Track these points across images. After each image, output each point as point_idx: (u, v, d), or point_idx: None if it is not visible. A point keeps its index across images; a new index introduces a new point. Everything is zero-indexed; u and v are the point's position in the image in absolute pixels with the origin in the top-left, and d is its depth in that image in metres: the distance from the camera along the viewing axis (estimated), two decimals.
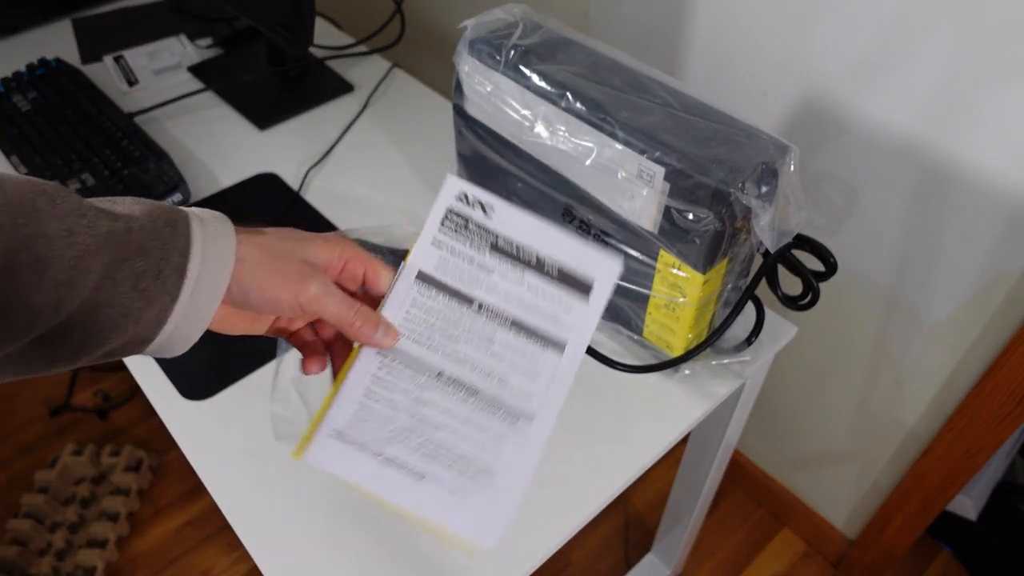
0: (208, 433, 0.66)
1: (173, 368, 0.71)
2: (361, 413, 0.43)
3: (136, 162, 0.88)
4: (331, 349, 0.47)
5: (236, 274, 0.39)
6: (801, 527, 1.34)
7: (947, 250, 0.85)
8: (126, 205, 0.38)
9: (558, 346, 0.45)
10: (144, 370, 0.72)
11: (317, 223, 0.85)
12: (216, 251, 0.38)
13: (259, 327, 0.45)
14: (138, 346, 0.38)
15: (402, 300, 0.45)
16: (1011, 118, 0.72)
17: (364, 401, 0.44)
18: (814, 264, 0.62)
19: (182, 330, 0.38)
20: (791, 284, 0.62)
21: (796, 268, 0.62)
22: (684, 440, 0.87)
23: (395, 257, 0.80)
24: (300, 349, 0.46)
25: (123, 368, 0.74)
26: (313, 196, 0.89)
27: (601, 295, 0.45)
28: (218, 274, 0.38)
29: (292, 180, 0.91)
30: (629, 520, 1.38)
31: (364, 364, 0.44)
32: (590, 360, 0.70)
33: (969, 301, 0.86)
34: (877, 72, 0.80)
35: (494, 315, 0.45)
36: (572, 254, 0.45)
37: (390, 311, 0.45)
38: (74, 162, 0.88)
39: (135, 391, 1.55)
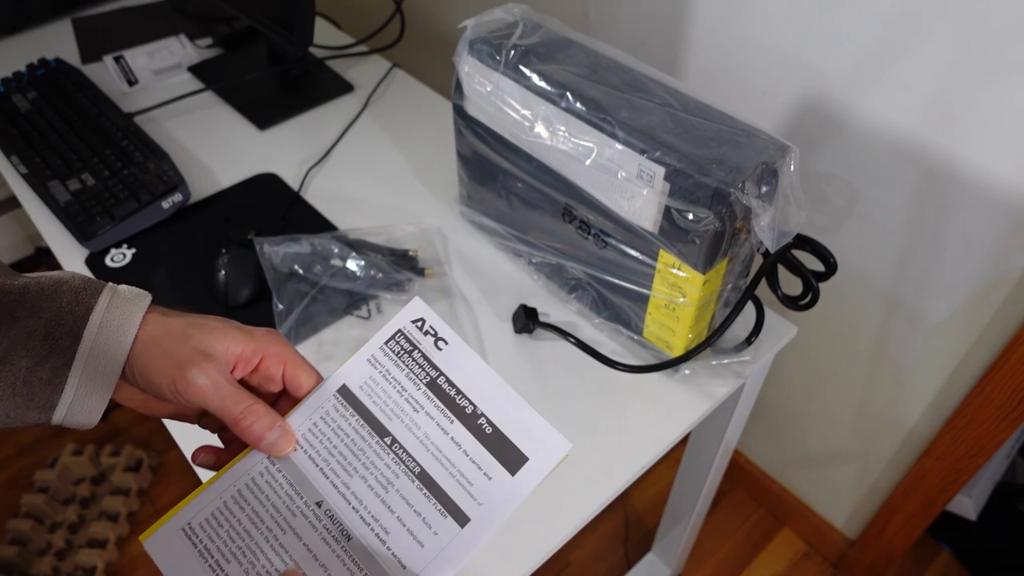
0: (208, 433, 0.66)
1: None
2: (219, 516, 0.39)
3: (136, 162, 0.88)
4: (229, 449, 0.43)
5: (133, 354, 0.38)
6: (801, 527, 1.34)
7: (947, 250, 0.85)
8: (46, 276, 0.37)
9: (461, 517, 0.38)
10: None
11: (317, 223, 0.85)
12: (115, 322, 0.37)
13: (162, 411, 0.43)
14: (37, 412, 0.37)
15: (314, 410, 0.41)
16: (1011, 118, 0.72)
17: (228, 504, 0.39)
18: (814, 264, 0.62)
19: (83, 403, 0.37)
20: (791, 284, 0.62)
21: (796, 268, 0.62)
22: (684, 440, 0.87)
23: (395, 257, 0.80)
24: (214, 431, 0.44)
25: None
26: (313, 196, 0.89)
27: (534, 475, 0.38)
28: (117, 344, 0.37)
29: (292, 180, 0.91)
30: (629, 520, 1.38)
31: (246, 464, 0.40)
32: (590, 360, 0.70)
33: (969, 301, 0.86)
34: (877, 72, 0.80)
35: (403, 458, 0.40)
36: (517, 420, 0.40)
37: (297, 418, 0.40)
38: (74, 162, 0.88)
39: None
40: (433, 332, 0.42)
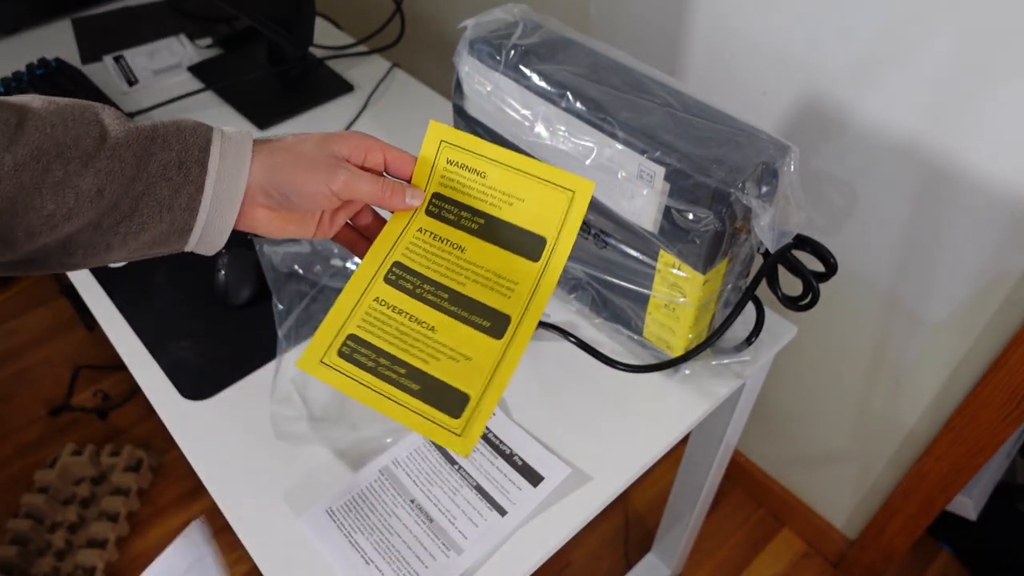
0: (208, 433, 0.66)
1: (173, 368, 0.71)
2: (350, 504, 0.61)
3: None
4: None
5: (273, 178, 0.45)
6: (801, 527, 1.34)
7: (947, 250, 0.85)
8: (152, 120, 0.44)
9: (501, 510, 0.60)
10: (144, 370, 0.72)
11: None
12: (233, 147, 0.44)
13: (306, 230, 0.49)
14: (179, 235, 0.44)
15: (410, 446, 0.65)
16: (1011, 118, 0.72)
17: (355, 497, 0.61)
18: (814, 264, 0.62)
19: (215, 220, 0.44)
20: (791, 284, 0.62)
21: (796, 268, 0.62)
22: (684, 440, 0.86)
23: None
24: (349, 247, 0.53)
25: (123, 368, 0.74)
26: None
27: (547, 486, 0.61)
28: (237, 164, 0.44)
29: None
30: (629, 520, 1.38)
31: (366, 475, 0.63)
32: (590, 360, 0.70)
33: (969, 301, 0.86)
34: (878, 72, 0.80)
35: (465, 477, 0.62)
36: (537, 455, 0.63)
37: (399, 451, 0.64)
38: None
39: (135, 391, 1.56)
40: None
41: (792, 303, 0.63)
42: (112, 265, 0.80)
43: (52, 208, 0.40)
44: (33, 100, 0.41)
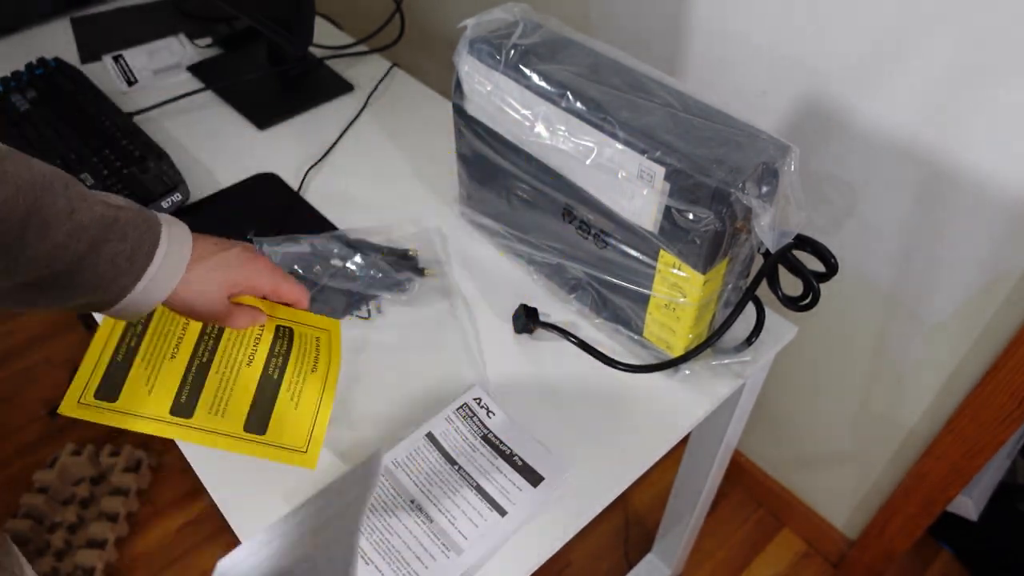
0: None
1: None
2: None
3: (135, 162, 0.88)
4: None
5: (184, 296, 0.52)
6: (801, 527, 1.34)
7: (947, 250, 0.85)
8: (120, 200, 0.49)
9: (501, 511, 0.59)
10: None
11: (317, 223, 0.85)
12: (172, 260, 0.50)
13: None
14: (102, 307, 0.49)
15: (411, 445, 0.63)
16: (1012, 118, 0.72)
17: None
18: (815, 265, 0.62)
19: (135, 306, 0.50)
20: (792, 284, 0.62)
21: (797, 269, 0.62)
22: (684, 440, 0.86)
23: (395, 257, 0.80)
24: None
25: None
26: (313, 196, 0.89)
27: (549, 486, 0.61)
28: (171, 275, 0.51)
29: (292, 180, 0.91)
30: (629, 520, 1.38)
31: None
32: (591, 360, 0.70)
33: (969, 301, 0.86)
34: (877, 72, 0.80)
35: (465, 477, 0.61)
36: (537, 455, 0.62)
37: (398, 450, 0.63)
38: (73, 162, 0.88)
39: None
40: (486, 406, 0.66)
41: (793, 303, 0.63)
42: None
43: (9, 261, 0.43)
44: (7, 157, 0.42)
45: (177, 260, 0.51)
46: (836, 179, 0.90)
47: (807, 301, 0.62)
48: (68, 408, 0.56)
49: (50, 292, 0.46)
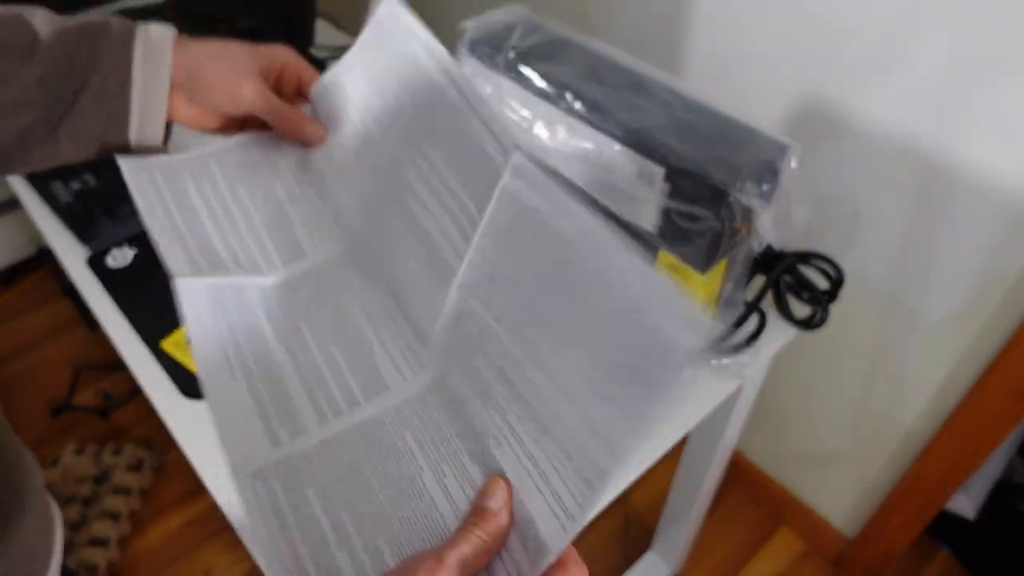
0: (208, 432, 0.67)
1: (174, 367, 0.71)
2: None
3: None
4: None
5: (186, 75, 0.48)
6: (800, 526, 1.34)
7: (946, 250, 0.85)
8: (78, 18, 0.47)
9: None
10: (145, 370, 0.72)
11: None
12: (156, 38, 0.49)
13: (229, 130, 0.52)
14: (120, 125, 0.47)
15: None
16: (1011, 118, 0.72)
17: None
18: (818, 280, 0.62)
19: (148, 106, 0.47)
20: (795, 287, 0.62)
21: (804, 285, 0.62)
22: (684, 440, 0.87)
23: None
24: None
25: (124, 368, 0.74)
26: None
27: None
28: (159, 53, 0.48)
29: None
30: (629, 519, 1.39)
31: None
32: None
33: (968, 301, 0.86)
34: (877, 72, 0.80)
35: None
36: None
37: None
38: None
39: (136, 391, 1.56)
40: None
41: (803, 325, 0.63)
42: (111, 265, 0.81)
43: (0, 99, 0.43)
44: None
45: (161, 38, 0.49)
46: (836, 179, 0.91)
47: (816, 319, 0.63)
48: (168, 345, 0.67)
49: (62, 120, 0.46)
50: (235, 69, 0.48)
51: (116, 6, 1.25)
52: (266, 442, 0.39)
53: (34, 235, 1.80)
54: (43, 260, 1.83)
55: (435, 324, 0.39)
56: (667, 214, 0.58)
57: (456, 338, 0.37)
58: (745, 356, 0.70)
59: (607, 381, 0.30)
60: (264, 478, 0.38)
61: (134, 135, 0.48)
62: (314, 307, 0.43)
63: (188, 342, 0.47)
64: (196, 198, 0.49)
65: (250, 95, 0.48)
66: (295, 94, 0.52)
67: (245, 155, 0.51)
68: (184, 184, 0.49)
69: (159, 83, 0.47)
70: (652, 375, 0.29)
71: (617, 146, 0.58)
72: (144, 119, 0.48)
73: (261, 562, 0.36)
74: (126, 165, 0.48)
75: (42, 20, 0.46)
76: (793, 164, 0.55)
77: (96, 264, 0.81)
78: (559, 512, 0.31)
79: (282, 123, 0.49)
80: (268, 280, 0.45)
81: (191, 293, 0.44)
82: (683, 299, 0.28)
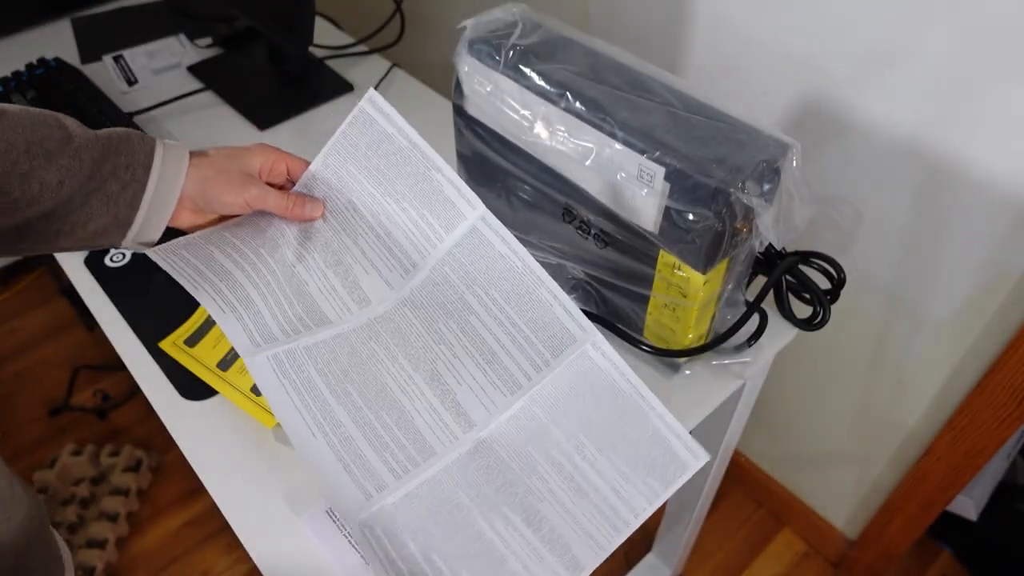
0: (208, 433, 0.66)
1: (173, 368, 0.71)
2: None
3: None
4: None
5: (202, 189, 0.54)
6: (801, 527, 1.34)
7: (948, 250, 0.85)
8: (106, 129, 0.53)
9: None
10: (143, 370, 0.71)
11: None
12: (173, 156, 0.54)
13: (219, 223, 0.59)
14: (120, 229, 0.52)
15: None
16: (1013, 118, 0.72)
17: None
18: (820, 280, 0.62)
19: (152, 217, 0.53)
20: (796, 287, 0.62)
21: (806, 286, 0.62)
22: None
23: None
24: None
25: (123, 368, 0.74)
26: None
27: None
28: (176, 170, 0.53)
29: None
30: None
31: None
32: None
33: (970, 301, 0.86)
34: (879, 71, 0.80)
35: None
36: None
37: None
38: None
39: (135, 391, 1.55)
40: None
41: (804, 324, 0.63)
42: (109, 265, 0.81)
43: (17, 195, 0.47)
44: (7, 106, 0.48)
45: (178, 154, 0.54)
46: (836, 179, 0.90)
47: (818, 320, 0.62)
48: (166, 345, 0.71)
49: (67, 219, 0.50)
50: (241, 177, 0.56)
51: (116, 5, 1.25)
52: (360, 495, 0.50)
53: None
54: (41, 260, 1.83)
55: (491, 419, 0.52)
56: (668, 214, 0.57)
57: (511, 428, 0.52)
58: (746, 356, 0.69)
59: (633, 473, 0.50)
60: (369, 526, 0.50)
61: (129, 240, 0.53)
62: (354, 371, 0.54)
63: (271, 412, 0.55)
64: (225, 260, 0.57)
65: (259, 196, 0.56)
66: (286, 182, 0.60)
67: (252, 226, 0.59)
68: (210, 252, 0.57)
69: (169, 200, 0.53)
70: (666, 474, 0.49)
71: (617, 145, 0.58)
72: (145, 227, 0.53)
73: None
74: (158, 257, 0.55)
75: (74, 124, 0.50)
76: (794, 164, 0.55)
77: (94, 264, 0.81)
78: (592, 544, 0.48)
79: (288, 211, 0.58)
80: (309, 340, 0.55)
81: (259, 368, 0.53)
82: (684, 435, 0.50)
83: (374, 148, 0.59)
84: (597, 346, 0.52)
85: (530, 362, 0.53)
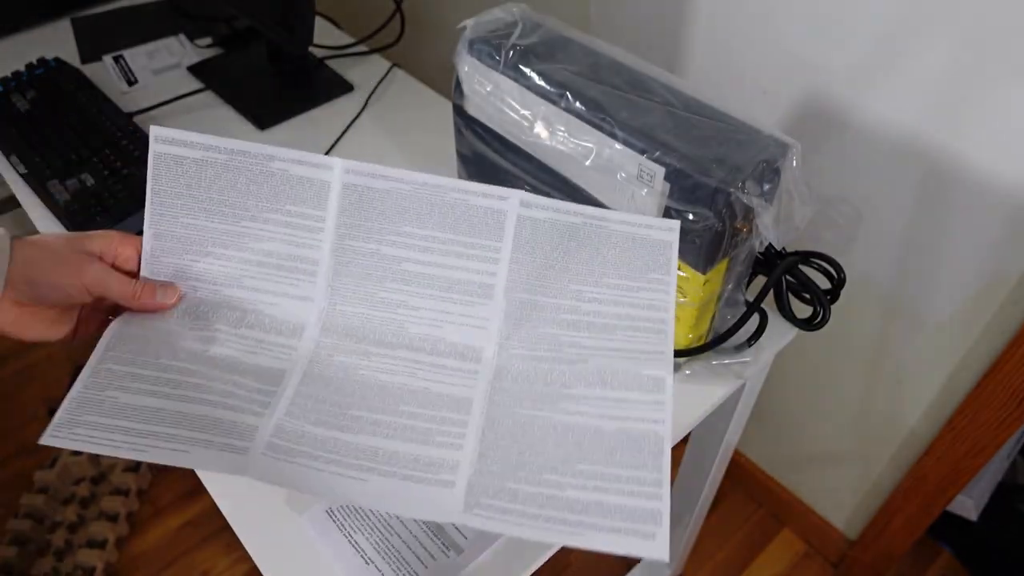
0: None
1: None
2: None
3: (135, 162, 0.88)
4: None
5: (24, 272, 0.45)
6: (801, 527, 1.34)
7: (948, 250, 0.85)
8: None
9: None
10: None
11: None
12: None
13: (60, 329, 0.49)
14: None
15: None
16: (1013, 118, 0.72)
17: None
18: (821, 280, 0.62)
19: None
20: (796, 287, 0.62)
21: (806, 286, 0.62)
22: (684, 440, 0.86)
23: None
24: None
25: None
26: None
27: None
28: None
29: None
30: None
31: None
32: None
33: (970, 301, 0.86)
34: (878, 71, 0.80)
35: None
36: None
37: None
38: (73, 162, 0.88)
39: None
40: None
41: (804, 324, 0.63)
42: None
43: None
44: None
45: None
46: (837, 179, 0.90)
47: (818, 320, 0.62)
48: None
49: None
50: (78, 257, 0.47)
51: (116, 5, 1.25)
52: (460, 484, 0.44)
53: (31, 234, 1.80)
54: None
55: (490, 331, 0.51)
56: (668, 214, 0.57)
57: (511, 327, 0.51)
58: (746, 356, 0.69)
59: (634, 280, 0.51)
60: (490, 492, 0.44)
61: None
62: (345, 395, 0.48)
63: None
64: (135, 399, 0.46)
65: (100, 279, 0.47)
66: (132, 272, 0.51)
67: (130, 341, 0.49)
68: (114, 398, 0.46)
69: None
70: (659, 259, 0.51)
71: (617, 145, 0.58)
72: None
73: None
74: (76, 444, 0.43)
75: None
76: (795, 163, 0.55)
77: None
78: (654, 357, 0.49)
79: (136, 299, 0.49)
80: (283, 404, 0.47)
81: (263, 470, 0.44)
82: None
83: (196, 184, 0.51)
84: (526, 203, 0.50)
85: (482, 260, 0.51)
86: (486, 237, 0.51)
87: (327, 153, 0.95)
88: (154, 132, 0.50)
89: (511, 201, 0.51)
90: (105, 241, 0.50)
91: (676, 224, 0.51)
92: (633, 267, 0.51)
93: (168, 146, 0.50)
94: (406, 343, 0.50)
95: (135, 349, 0.48)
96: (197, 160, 0.51)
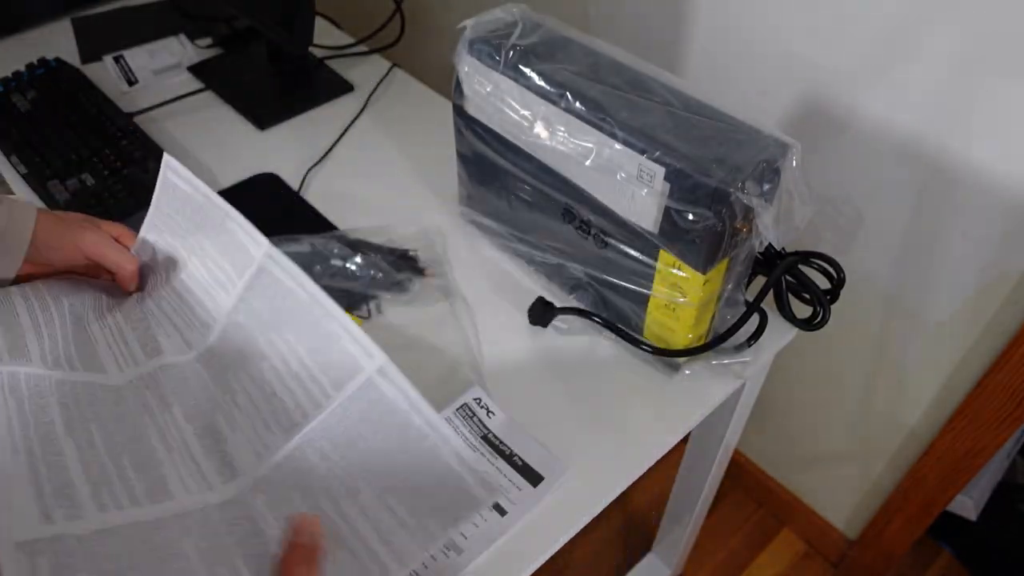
0: None
1: None
2: None
3: (136, 162, 0.88)
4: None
5: (39, 236, 0.55)
6: (801, 527, 1.34)
7: (948, 250, 0.85)
8: None
9: (501, 511, 0.56)
10: None
11: (317, 223, 0.85)
12: (20, 210, 0.55)
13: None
14: None
15: None
16: (1013, 118, 0.72)
17: None
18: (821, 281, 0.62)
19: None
20: (795, 287, 0.62)
21: (805, 285, 0.62)
22: (684, 440, 0.86)
23: (395, 257, 0.80)
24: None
25: None
26: (313, 196, 0.89)
27: (549, 486, 0.58)
28: (24, 212, 0.55)
29: (292, 180, 0.91)
30: (629, 520, 1.38)
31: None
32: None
33: (970, 301, 0.86)
34: (879, 71, 0.80)
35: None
36: (537, 455, 0.61)
37: None
38: (73, 162, 0.88)
39: None
40: (485, 406, 0.64)
41: (804, 324, 0.63)
42: None
43: None
44: None
45: (24, 214, 0.55)
46: (836, 179, 0.90)
47: (818, 320, 0.62)
48: None
49: None
50: (79, 223, 0.57)
51: (116, 5, 1.25)
52: (35, 515, 0.41)
53: None
54: None
55: (260, 465, 0.47)
56: (667, 214, 0.57)
57: (278, 473, 0.47)
58: (746, 356, 0.69)
59: (410, 515, 0.43)
60: (30, 552, 0.39)
61: None
62: (110, 418, 0.48)
63: None
64: (20, 304, 0.54)
65: (96, 243, 0.57)
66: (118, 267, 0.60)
67: (66, 282, 0.59)
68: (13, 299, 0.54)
69: (17, 251, 0.54)
70: (450, 513, 0.43)
71: (617, 145, 0.58)
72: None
73: None
74: None
75: None
76: (794, 163, 0.55)
77: None
78: None
79: (123, 268, 0.58)
80: (67, 375, 0.50)
81: None
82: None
83: (179, 212, 0.60)
84: (384, 373, 0.45)
85: (310, 399, 0.47)
86: (331, 381, 0.47)
87: (327, 153, 0.95)
88: (166, 161, 0.59)
89: (372, 370, 0.45)
90: (108, 224, 0.59)
91: (497, 493, 0.47)
92: (422, 501, 0.44)
93: (171, 173, 0.60)
94: (200, 428, 0.50)
95: (62, 287, 0.57)
96: (186, 194, 0.59)
